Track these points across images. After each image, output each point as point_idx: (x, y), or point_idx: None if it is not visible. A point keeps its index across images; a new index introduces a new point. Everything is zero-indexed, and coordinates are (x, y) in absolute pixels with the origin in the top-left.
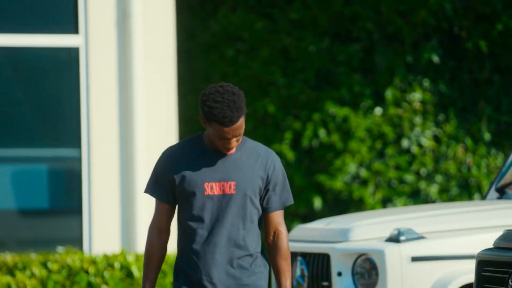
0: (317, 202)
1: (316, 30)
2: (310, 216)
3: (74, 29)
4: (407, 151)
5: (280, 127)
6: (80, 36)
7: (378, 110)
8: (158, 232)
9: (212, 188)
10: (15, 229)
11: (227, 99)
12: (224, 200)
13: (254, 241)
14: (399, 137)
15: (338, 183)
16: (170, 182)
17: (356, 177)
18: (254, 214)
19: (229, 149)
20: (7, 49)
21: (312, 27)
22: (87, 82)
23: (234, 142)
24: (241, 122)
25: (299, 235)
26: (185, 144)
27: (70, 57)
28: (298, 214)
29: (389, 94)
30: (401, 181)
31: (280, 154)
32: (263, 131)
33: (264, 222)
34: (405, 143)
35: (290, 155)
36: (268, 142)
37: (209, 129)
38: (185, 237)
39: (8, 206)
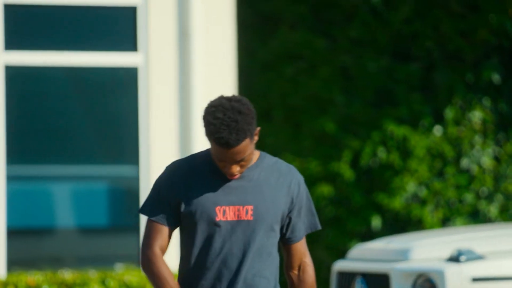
0: (376, 221)
1: (376, 49)
2: (369, 235)
3: (133, 47)
4: (467, 170)
5: (339, 146)
6: (139, 54)
7: (437, 129)
8: (160, 254)
9: (225, 213)
10: (74, 246)
11: (229, 117)
12: (239, 227)
13: (273, 277)
14: (459, 156)
15: (397, 203)
16: (174, 203)
17: (415, 196)
18: (274, 245)
19: (229, 174)
20: (68, 69)
21: (371, 46)
22: (147, 100)
23: (235, 168)
24: (243, 146)
25: (358, 254)
26: (194, 160)
27: (130, 74)
28: (357, 233)
29: (448, 113)
30: (461, 200)
31: (338, 173)
32: (322, 149)
33: (286, 252)
34: (464, 162)
35: (349, 174)
36: (326, 160)
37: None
38: (191, 269)
39: (67, 224)
